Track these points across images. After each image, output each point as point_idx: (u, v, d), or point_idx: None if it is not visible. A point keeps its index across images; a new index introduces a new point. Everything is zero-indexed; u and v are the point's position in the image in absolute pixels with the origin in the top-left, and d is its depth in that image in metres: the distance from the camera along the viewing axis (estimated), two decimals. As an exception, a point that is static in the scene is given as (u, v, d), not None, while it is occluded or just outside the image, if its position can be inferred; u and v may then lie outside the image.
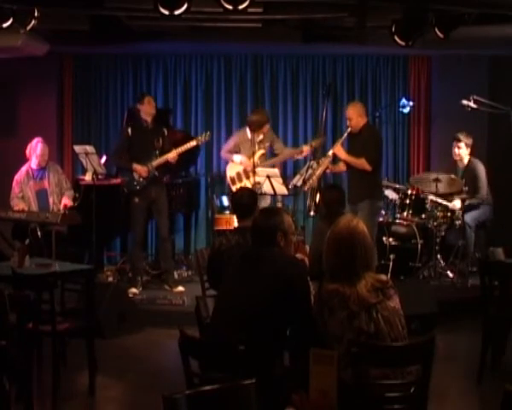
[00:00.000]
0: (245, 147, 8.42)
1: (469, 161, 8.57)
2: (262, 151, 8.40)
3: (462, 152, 8.55)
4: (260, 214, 4.32)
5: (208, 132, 8.35)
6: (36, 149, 8.29)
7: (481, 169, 8.48)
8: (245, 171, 8.41)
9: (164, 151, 7.95)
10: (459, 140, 8.51)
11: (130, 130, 7.99)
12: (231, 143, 8.65)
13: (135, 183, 7.93)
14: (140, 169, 7.87)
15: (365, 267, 3.64)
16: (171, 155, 7.88)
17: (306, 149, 8.35)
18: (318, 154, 8.08)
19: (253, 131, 8.32)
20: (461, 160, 8.60)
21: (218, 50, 9.70)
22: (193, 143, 8.08)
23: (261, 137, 8.38)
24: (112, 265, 8.98)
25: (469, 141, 8.53)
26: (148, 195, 7.96)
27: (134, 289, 7.92)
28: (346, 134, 7.85)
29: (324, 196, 6.52)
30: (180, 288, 8.11)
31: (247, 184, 8.24)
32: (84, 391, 5.57)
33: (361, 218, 4.00)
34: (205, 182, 9.69)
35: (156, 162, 7.89)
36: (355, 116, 7.71)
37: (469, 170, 8.53)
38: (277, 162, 8.71)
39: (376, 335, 3.53)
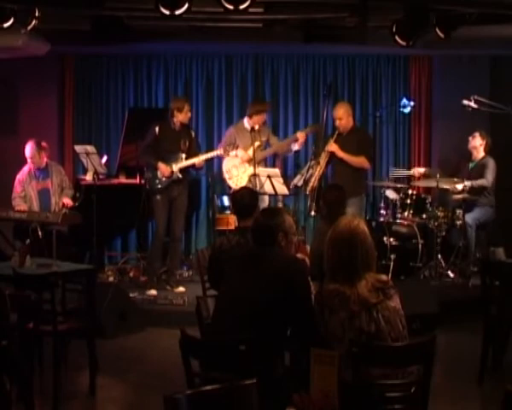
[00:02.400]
0: (241, 137, 8.40)
1: (484, 156, 8.64)
2: (258, 143, 8.29)
3: (477, 142, 8.62)
4: (261, 214, 4.33)
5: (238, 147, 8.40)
6: (26, 152, 8.28)
7: (493, 164, 8.53)
8: (241, 163, 8.38)
9: (190, 154, 8.03)
10: (475, 131, 8.62)
11: (157, 129, 8.02)
12: (227, 135, 8.64)
13: (157, 181, 7.99)
14: (164, 168, 7.92)
15: (366, 267, 3.64)
16: (198, 161, 8.03)
17: (301, 134, 8.34)
18: (319, 153, 8.08)
19: (249, 116, 8.32)
20: (475, 149, 8.66)
21: (218, 50, 9.70)
22: (219, 152, 8.27)
23: (257, 127, 8.28)
24: (113, 265, 8.99)
25: (485, 135, 8.62)
26: (170, 193, 8.01)
27: (153, 291, 7.95)
28: (336, 134, 7.91)
29: (325, 197, 6.53)
30: (181, 288, 8.11)
31: (244, 176, 8.26)
32: (85, 391, 5.57)
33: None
34: (205, 182, 9.68)
35: (181, 165, 7.96)
36: (345, 116, 7.84)
37: (481, 163, 8.60)
38: (273, 153, 8.68)
39: (377, 335, 3.53)
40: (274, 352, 3.84)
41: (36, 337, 5.43)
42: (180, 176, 8.01)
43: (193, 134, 8.28)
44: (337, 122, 7.91)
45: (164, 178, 7.97)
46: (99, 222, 7.93)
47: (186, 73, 9.87)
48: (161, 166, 7.94)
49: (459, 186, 8.33)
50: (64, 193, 8.40)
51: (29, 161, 8.28)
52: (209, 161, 9.69)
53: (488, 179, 8.43)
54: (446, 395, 5.32)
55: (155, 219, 8.14)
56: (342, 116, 7.81)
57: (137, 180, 8.55)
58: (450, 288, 8.13)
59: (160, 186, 7.99)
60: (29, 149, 8.26)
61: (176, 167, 7.97)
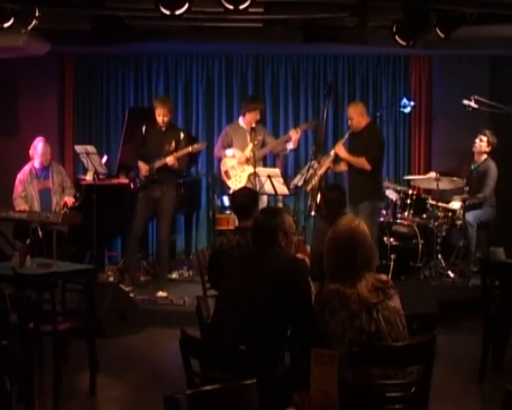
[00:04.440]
0: (237, 137, 8.40)
1: (486, 159, 8.62)
2: (252, 145, 8.24)
3: (483, 145, 8.59)
4: (261, 214, 4.34)
5: (205, 143, 8.39)
6: (37, 149, 8.31)
7: (494, 169, 8.52)
8: (239, 163, 8.37)
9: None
10: (484, 134, 8.59)
11: (144, 129, 7.98)
12: (223, 135, 8.63)
13: (137, 180, 7.97)
14: (142, 167, 7.89)
15: (366, 267, 3.64)
16: (170, 160, 7.78)
17: (294, 132, 8.34)
18: (320, 153, 8.08)
19: (243, 114, 8.35)
20: (479, 153, 8.65)
21: (218, 50, 9.71)
22: (188, 150, 7.87)
23: (252, 125, 8.23)
24: (113, 265, 8.98)
25: (493, 139, 8.59)
26: (153, 193, 7.94)
27: (131, 287, 7.91)
28: (347, 134, 7.90)
29: (325, 197, 6.53)
30: (161, 293, 7.86)
31: (243, 175, 8.25)
32: (85, 391, 5.58)
33: (362, 218, 4.01)
34: (206, 182, 9.69)
35: (157, 164, 7.85)
36: (356, 116, 7.78)
37: (483, 166, 8.60)
38: (267, 152, 8.65)
39: (377, 335, 3.53)
40: (274, 352, 3.83)
41: (36, 337, 5.42)
42: (156, 176, 7.86)
43: (182, 135, 8.02)
44: (349, 122, 7.92)
45: (143, 178, 7.91)
46: (99, 222, 7.93)
47: (186, 73, 9.88)
48: (140, 164, 7.89)
49: (457, 205, 8.33)
50: (67, 192, 8.41)
51: (39, 158, 8.30)
52: (209, 163, 9.77)
53: (485, 192, 8.43)
54: (446, 395, 5.31)
55: (134, 214, 8.01)
56: (353, 116, 7.79)
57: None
58: (450, 288, 8.13)
59: (138, 185, 7.96)
60: (41, 145, 8.30)
61: (153, 167, 7.85)
